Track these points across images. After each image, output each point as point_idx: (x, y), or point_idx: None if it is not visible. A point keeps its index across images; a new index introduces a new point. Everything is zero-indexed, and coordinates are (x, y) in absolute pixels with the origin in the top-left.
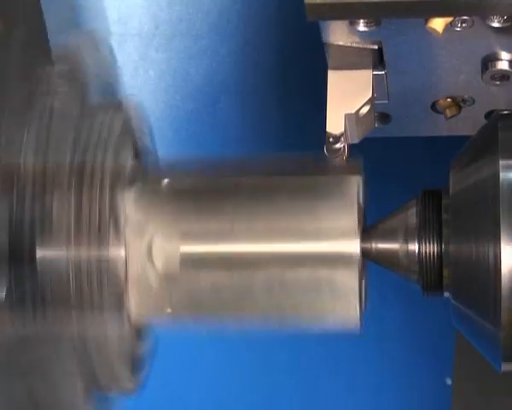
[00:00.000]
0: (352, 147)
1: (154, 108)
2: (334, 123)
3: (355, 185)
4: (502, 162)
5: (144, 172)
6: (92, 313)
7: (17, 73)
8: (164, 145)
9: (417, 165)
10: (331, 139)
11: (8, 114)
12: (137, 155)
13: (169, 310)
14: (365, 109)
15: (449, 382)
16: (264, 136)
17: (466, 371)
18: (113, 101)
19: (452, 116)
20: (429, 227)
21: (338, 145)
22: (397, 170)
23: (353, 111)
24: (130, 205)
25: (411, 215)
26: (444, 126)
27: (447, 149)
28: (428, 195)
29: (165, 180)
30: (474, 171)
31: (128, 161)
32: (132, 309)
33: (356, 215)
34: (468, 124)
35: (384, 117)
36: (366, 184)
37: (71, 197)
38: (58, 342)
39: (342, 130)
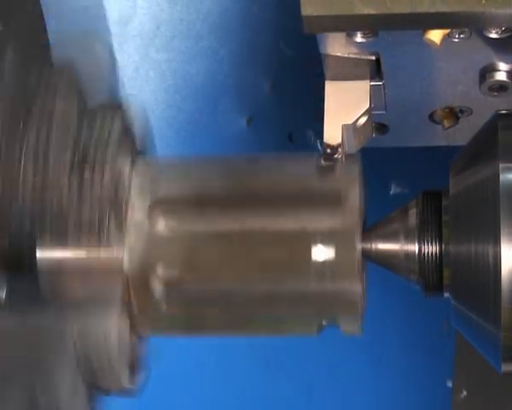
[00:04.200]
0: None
1: (154, 109)
2: (332, 134)
3: (355, 186)
4: (502, 163)
5: (144, 173)
6: (92, 313)
7: (17, 74)
8: (164, 146)
9: (417, 165)
10: (328, 150)
11: (8, 114)
12: (137, 155)
13: (169, 310)
14: (363, 120)
15: (449, 384)
16: (264, 137)
17: (466, 372)
18: (113, 101)
19: (450, 127)
20: (429, 228)
21: (335, 156)
22: (397, 171)
23: (351, 122)
24: (130, 206)
25: (411, 216)
26: (441, 137)
27: (447, 150)
28: (428, 196)
29: (165, 181)
30: (474, 171)
31: (128, 162)
32: (132, 310)
33: (356, 216)
34: (465, 134)
35: (382, 127)
36: (366, 184)
37: (71, 198)
38: (58, 342)
39: (339, 140)
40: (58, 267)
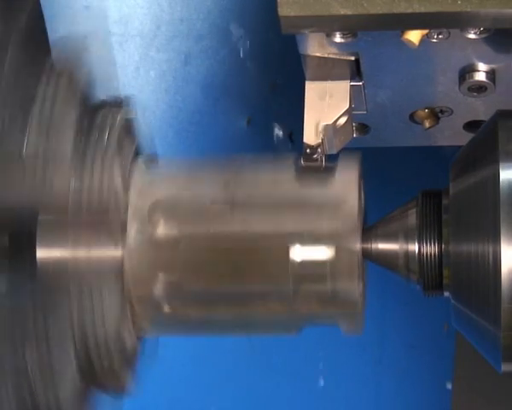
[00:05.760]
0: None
1: (154, 109)
2: (312, 134)
3: (355, 185)
4: (502, 162)
5: (144, 172)
6: (92, 312)
7: (17, 73)
8: (164, 146)
9: (417, 165)
10: (308, 150)
11: (8, 114)
12: (138, 155)
13: (169, 310)
14: (343, 120)
15: (449, 386)
16: (264, 137)
17: (466, 372)
18: (113, 101)
19: (431, 127)
20: (429, 227)
21: (315, 156)
22: (397, 171)
23: (331, 122)
24: (130, 204)
25: (411, 216)
26: (423, 137)
27: (447, 150)
28: (428, 195)
29: (165, 179)
30: (474, 171)
31: (128, 162)
32: (132, 309)
33: (356, 216)
34: (446, 134)
35: (363, 127)
36: (366, 184)
37: (71, 198)
38: (58, 341)
39: (319, 141)
40: (58, 267)
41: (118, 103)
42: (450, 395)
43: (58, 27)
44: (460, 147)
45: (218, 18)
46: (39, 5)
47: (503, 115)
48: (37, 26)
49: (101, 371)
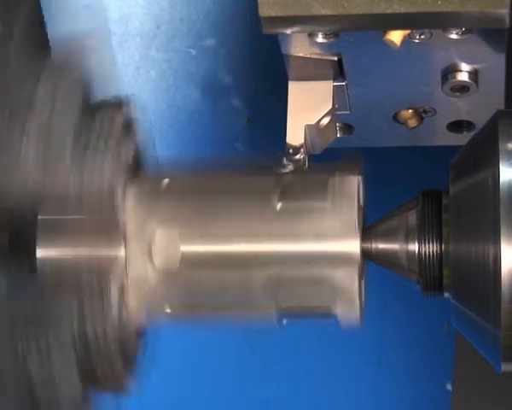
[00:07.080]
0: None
1: (154, 109)
2: (295, 134)
3: (355, 185)
4: (502, 162)
5: (144, 172)
6: (92, 312)
7: (17, 73)
8: (164, 145)
9: (417, 165)
10: (291, 150)
11: (8, 113)
12: (137, 154)
13: (168, 309)
14: (326, 120)
15: (449, 387)
16: (265, 136)
17: (466, 372)
18: (113, 101)
19: (415, 127)
20: (429, 227)
21: (298, 156)
22: (397, 170)
23: (314, 122)
24: (130, 204)
25: (411, 215)
26: (407, 137)
27: (447, 149)
28: (428, 195)
29: (165, 180)
30: (474, 171)
31: (128, 161)
32: (132, 308)
33: (356, 215)
34: (430, 134)
35: (347, 127)
36: (366, 184)
37: (71, 198)
38: (58, 341)
39: (302, 141)
40: (58, 267)
41: (118, 104)
42: (450, 394)
43: (58, 27)
44: (448, 147)
45: (218, 18)
46: (39, 5)
47: (503, 115)
48: (37, 26)
49: (102, 373)
